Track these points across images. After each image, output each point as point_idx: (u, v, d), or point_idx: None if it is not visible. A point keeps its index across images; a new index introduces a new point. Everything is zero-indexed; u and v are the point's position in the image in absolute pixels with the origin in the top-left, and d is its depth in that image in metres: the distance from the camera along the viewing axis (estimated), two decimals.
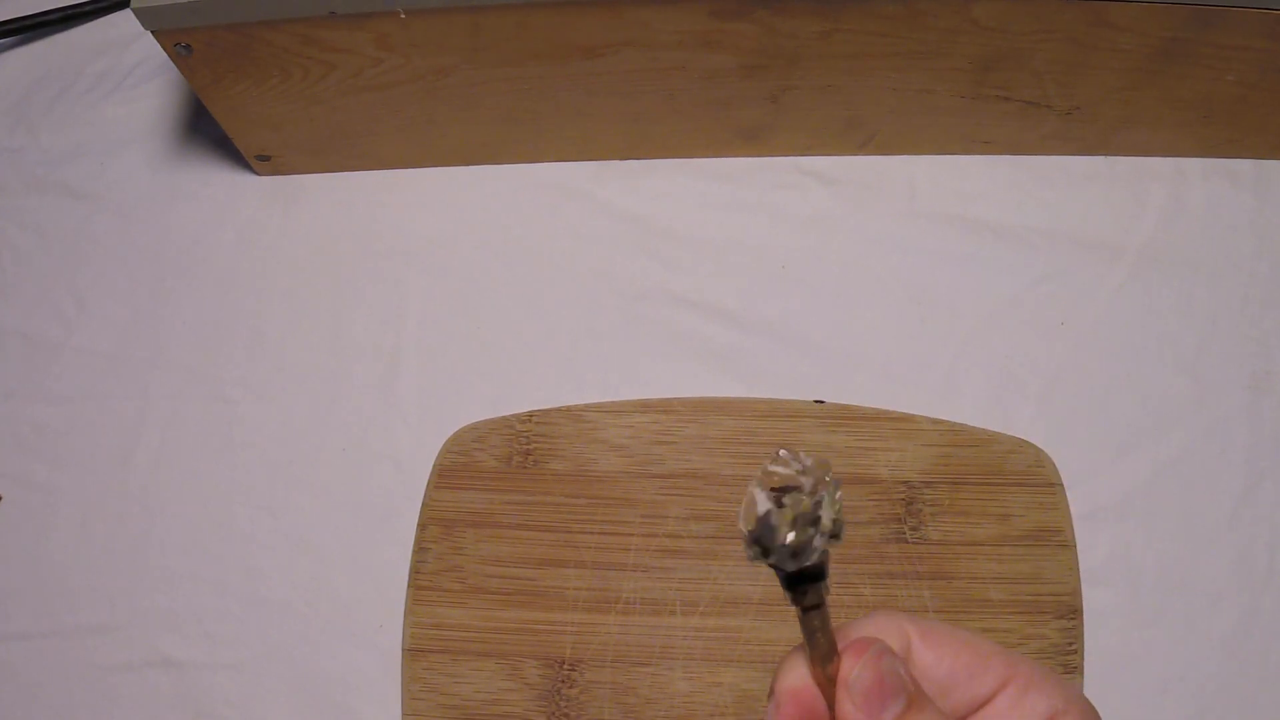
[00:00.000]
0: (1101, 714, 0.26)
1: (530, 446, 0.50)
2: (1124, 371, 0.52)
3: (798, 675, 0.26)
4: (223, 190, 0.59)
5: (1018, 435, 0.50)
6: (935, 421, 0.50)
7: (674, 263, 0.55)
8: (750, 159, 0.57)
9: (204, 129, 0.60)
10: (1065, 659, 0.46)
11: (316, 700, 0.48)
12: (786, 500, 0.23)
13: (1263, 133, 0.54)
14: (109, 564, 0.51)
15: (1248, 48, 0.48)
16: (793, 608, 0.25)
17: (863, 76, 0.51)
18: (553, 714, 0.46)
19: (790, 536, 0.23)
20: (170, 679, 0.49)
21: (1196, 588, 0.48)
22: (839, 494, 0.23)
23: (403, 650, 0.47)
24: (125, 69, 0.62)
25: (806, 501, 0.23)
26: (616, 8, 0.47)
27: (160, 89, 0.61)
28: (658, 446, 0.50)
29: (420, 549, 0.49)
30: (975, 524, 0.48)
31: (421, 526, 0.49)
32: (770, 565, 0.23)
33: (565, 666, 0.46)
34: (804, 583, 0.25)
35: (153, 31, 0.47)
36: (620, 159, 0.58)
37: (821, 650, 0.25)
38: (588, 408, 0.51)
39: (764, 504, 0.23)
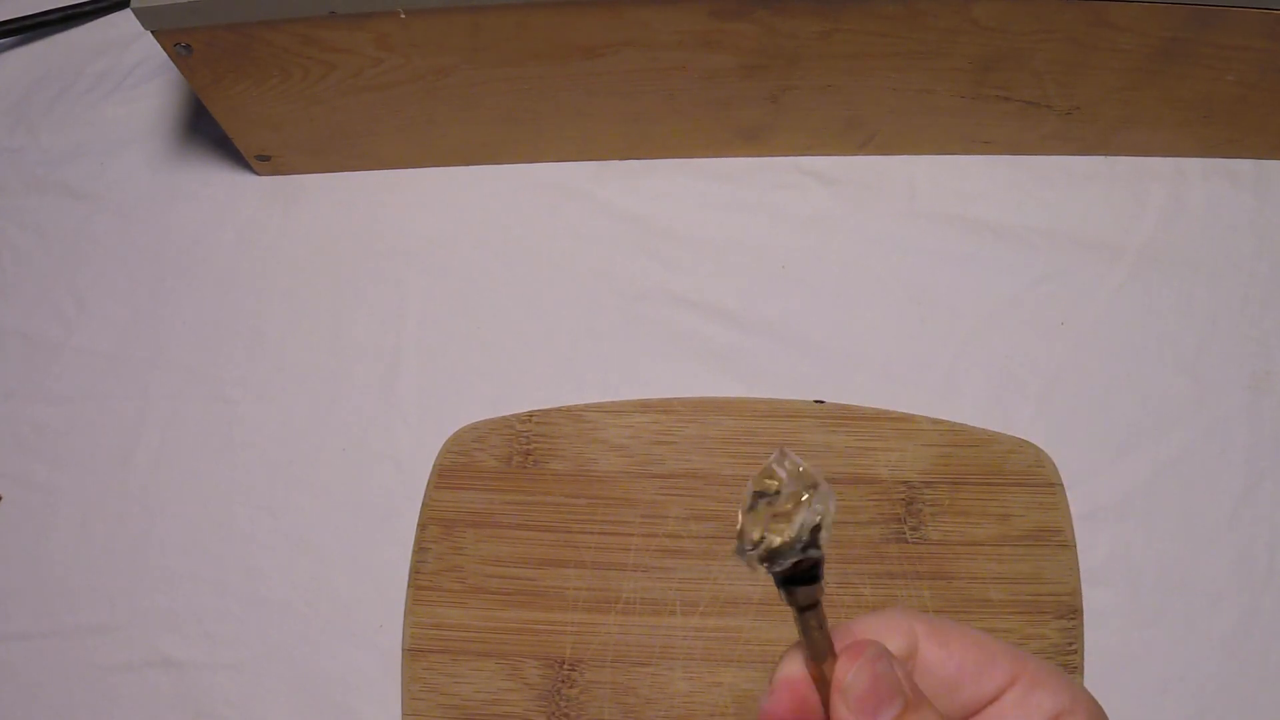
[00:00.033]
0: None
1: (530, 446, 0.50)
2: (1124, 371, 0.52)
3: (795, 666, 0.26)
4: (223, 190, 0.59)
5: (1018, 435, 0.50)
6: (935, 421, 0.50)
7: (674, 263, 0.55)
8: (750, 159, 0.57)
9: (204, 129, 0.60)
10: (1065, 659, 0.46)
11: (316, 700, 0.48)
12: (760, 505, 0.24)
13: (1263, 133, 0.54)
14: (109, 564, 0.51)
15: (1248, 48, 0.48)
16: (789, 607, 0.25)
17: (863, 76, 0.51)
18: (553, 714, 0.46)
19: (758, 540, 0.23)
20: (170, 679, 0.49)
21: (1196, 588, 0.48)
22: (821, 504, 0.23)
23: (403, 650, 0.47)
24: (125, 69, 0.62)
25: (781, 507, 0.23)
26: (616, 8, 0.47)
27: (160, 89, 0.61)
28: (658, 446, 0.50)
29: (420, 549, 0.49)
30: (975, 524, 0.48)
31: (421, 526, 0.49)
32: (746, 565, 0.24)
33: (565, 666, 0.46)
34: (795, 584, 0.25)
35: (153, 31, 0.47)
36: (620, 159, 0.58)
37: (817, 649, 0.26)
38: (588, 408, 0.51)
39: (744, 506, 0.24)
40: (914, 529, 0.48)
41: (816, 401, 0.51)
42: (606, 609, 0.47)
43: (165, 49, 0.48)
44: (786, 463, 0.24)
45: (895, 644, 0.26)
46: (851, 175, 0.57)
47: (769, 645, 0.46)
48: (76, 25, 0.64)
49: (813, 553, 0.24)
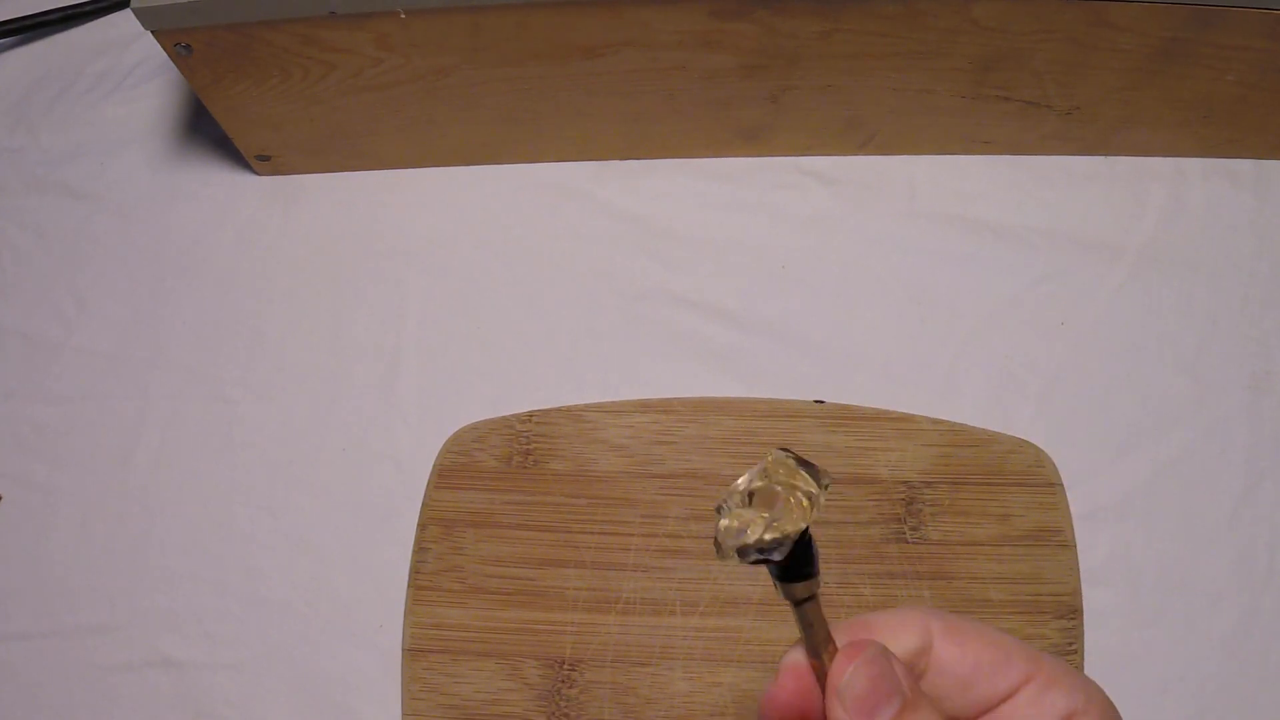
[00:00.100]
0: None
1: (530, 446, 0.50)
2: (1124, 371, 0.52)
3: (802, 654, 0.26)
4: (223, 190, 0.59)
5: (1018, 435, 0.50)
6: (935, 421, 0.50)
7: (674, 263, 0.55)
8: (750, 159, 0.57)
9: (204, 129, 0.60)
10: (1065, 659, 0.46)
11: (316, 700, 0.48)
12: (725, 504, 0.25)
13: (1263, 133, 0.54)
14: (109, 564, 0.51)
15: (1248, 48, 0.48)
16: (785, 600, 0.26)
17: (863, 76, 0.51)
18: (553, 714, 0.46)
19: (717, 536, 0.25)
20: (170, 679, 0.49)
21: (1196, 588, 0.48)
22: (772, 515, 0.25)
23: (403, 650, 0.47)
24: (125, 69, 0.62)
25: (739, 513, 0.25)
26: (616, 8, 0.47)
27: (160, 89, 0.61)
28: (658, 446, 0.50)
29: (420, 549, 0.49)
30: (975, 524, 0.48)
31: (421, 526, 0.49)
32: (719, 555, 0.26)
33: (565, 666, 0.46)
34: (790, 579, 0.25)
35: (153, 31, 0.47)
36: (620, 159, 0.58)
37: (815, 644, 0.26)
38: (588, 408, 0.51)
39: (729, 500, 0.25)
40: (914, 529, 0.48)
41: (816, 401, 0.51)
42: (606, 609, 0.47)
43: (165, 49, 0.48)
44: (766, 468, 0.25)
45: (910, 640, 0.26)
46: (851, 175, 0.57)
47: (769, 645, 0.46)
48: (76, 25, 0.64)
49: (765, 555, 0.25)
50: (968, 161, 0.57)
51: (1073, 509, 0.48)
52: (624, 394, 0.52)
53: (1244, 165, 0.56)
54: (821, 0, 0.46)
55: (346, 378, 0.54)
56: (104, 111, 0.61)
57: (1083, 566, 0.47)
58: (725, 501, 0.25)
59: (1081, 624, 0.46)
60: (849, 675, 0.25)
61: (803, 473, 0.25)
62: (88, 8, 0.63)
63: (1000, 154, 0.57)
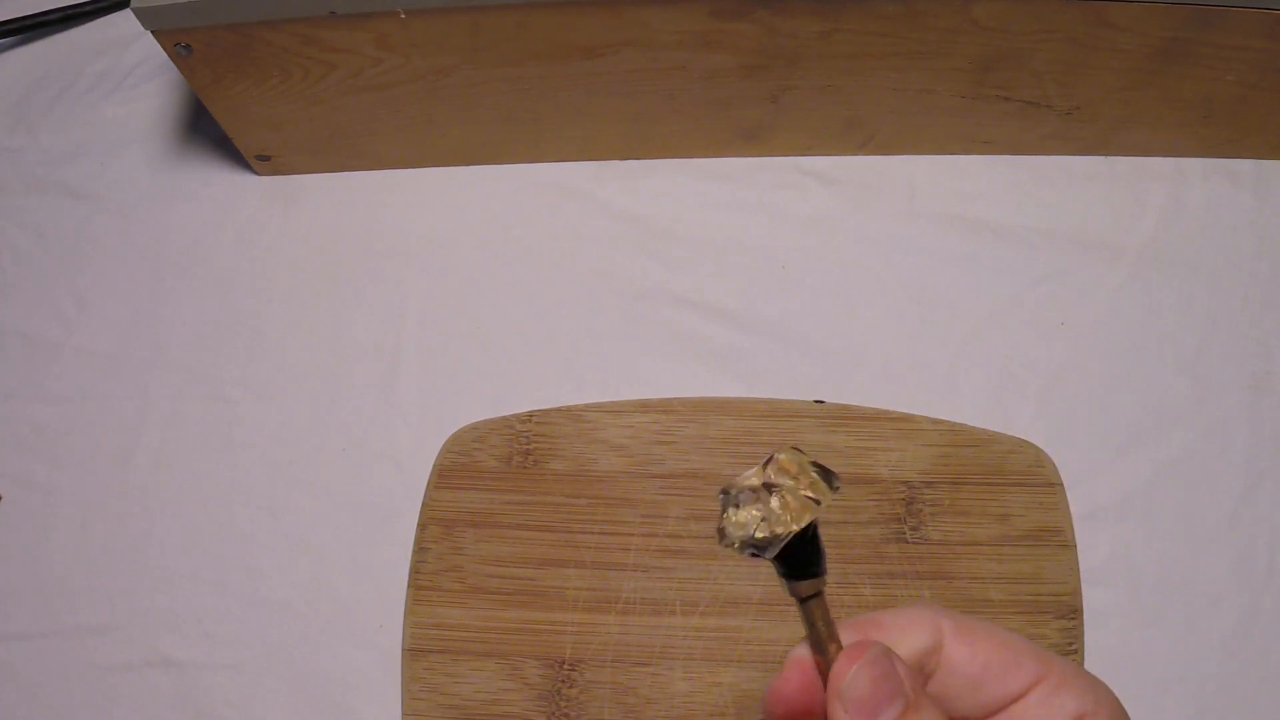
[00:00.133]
0: None
1: (530, 446, 0.50)
2: (1124, 371, 0.52)
3: (809, 649, 0.26)
4: (223, 190, 0.59)
5: (1018, 435, 0.50)
6: (935, 421, 0.50)
7: (674, 263, 0.55)
8: (750, 159, 0.57)
9: (204, 129, 0.60)
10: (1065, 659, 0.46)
11: (316, 700, 0.48)
12: (730, 494, 0.26)
13: (1263, 133, 0.54)
14: (109, 564, 0.51)
15: (1248, 48, 0.48)
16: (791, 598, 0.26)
17: (863, 76, 0.51)
18: (553, 714, 0.46)
19: (721, 523, 0.26)
20: (170, 679, 0.49)
21: (1196, 588, 0.48)
22: (769, 512, 0.25)
23: (403, 650, 0.47)
24: (125, 69, 0.62)
25: (744, 506, 0.25)
26: (616, 8, 0.47)
27: (160, 89, 0.61)
28: (658, 446, 0.50)
29: (420, 549, 0.49)
30: (975, 524, 0.48)
31: (421, 526, 0.49)
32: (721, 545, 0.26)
33: (565, 666, 0.46)
34: (794, 576, 0.25)
35: (153, 31, 0.47)
36: (620, 159, 0.58)
37: (821, 640, 0.26)
38: (588, 408, 0.51)
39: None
40: (914, 529, 0.48)
41: (816, 401, 0.51)
42: (606, 609, 0.47)
43: (165, 49, 0.48)
44: (765, 468, 0.25)
45: (921, 639, 0.26)
46: (851, 175, 0.57)
47: (769, 645, 0.46)
48: (76, 25, 0.64)
49: (766, 552, 0.25)
50: (968, 161, 0.57)
51: (1073, 509, 0.48)
52: (624, 394, 0.52)
53: (1244, 165, 0.56)
54: (821, 0, 0.46)
55: (346, 378, 0.54)
56: (104, 111, 0.61)
57: (1083, 566, 0.47)
58: (730, 491, 0.26)
59: (1081, 624, 0.46)
60: (850, 676, 0.25)
61: (813, 474, 0.25)
62: (88, 8, 0.63)
63: (1000, 154, 0.57)
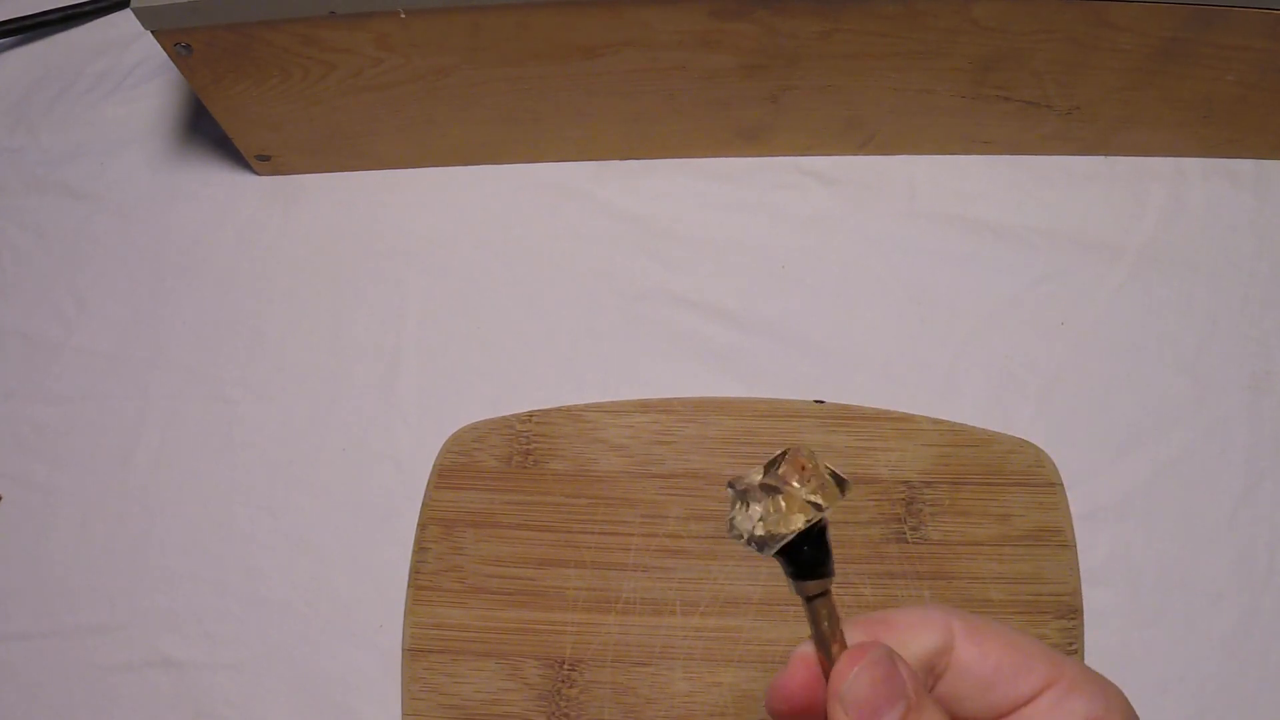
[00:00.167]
0: None
1: (530, 446, 0.50)
2: (1124, 371, 0.52)
3: (813, 646, 0.26)
4: (223, 190, 0.59)
5: (1018, 435, 0.50)
6: (935, 421, 0.50)
7: (674, 263, 0.55)
8: (750, 159, 0.57)
9: (204, 129, 0.60)
10: None
11: (316, 700, 0.48)
12: (738, 486, 0.26)
13: (1263, 133, 0.54)
14: (109, 564, 0.51)
15: (1248, 48, 0.48)
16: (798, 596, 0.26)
17: (863, 76, 0.51)
18: (553, 714, 0.46)
19: (730, 517, 0.26)
20: (170, 679, 0.49)
21: (1196, 588, 0.48)
22: (769, 510, 0.25)
23: (403, 650, 0.47)
24: (125, 69, 0.62)
25: (742, 506, 0.26)
26: (616, 8, 0.47)
27: (160, 89, 0.61)
28: (658, 446, 0.50)
29: (420, 549, 0.49)
30: (975, 524, 0.48)
31: (421, 526, 0.49)
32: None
33: (565, 666, 0.46)
34: (800, 575, 0.25)
35: (153, 31, 0.47)
36: (620, 159, 0.58)
37: (824, 640, 0.26)
38: (588, 408, 0.51)
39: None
40: (914, 529, 0.48)
41: (816, 401, 0.51)
42: (606, 609, 0.47)
43: (165, 49, 0.48)
44: (768, 467, 0.25)
45: (931, 639, 0.26)
46: (851, 175, 0.57)
47: (769, 645, 0.46)
48: (76, 25, 0.64)
49: (759, 549, 0.25)
50: (968, 161, 0.57)
51: (1073, 509, 0.48)
52: (624, 394, 0.52)
53: (1244, 165, 0.56)
54: (821, 0, 0.46)
55: (346, 378, 0.54)
56: (104, 111, 0.61)
57: (1083, 566, 0.47)
58: (736, 485, 0.26)
59: (1081, 624, 0.46)
60: (851, 678, 0.25)
61: (825, 476, 0.25)
62: (88, 8, 0.63)
63: (1000, 154, 0.57)
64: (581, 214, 0.57)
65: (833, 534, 0.26)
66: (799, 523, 0.25)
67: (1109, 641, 0.47)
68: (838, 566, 0.26)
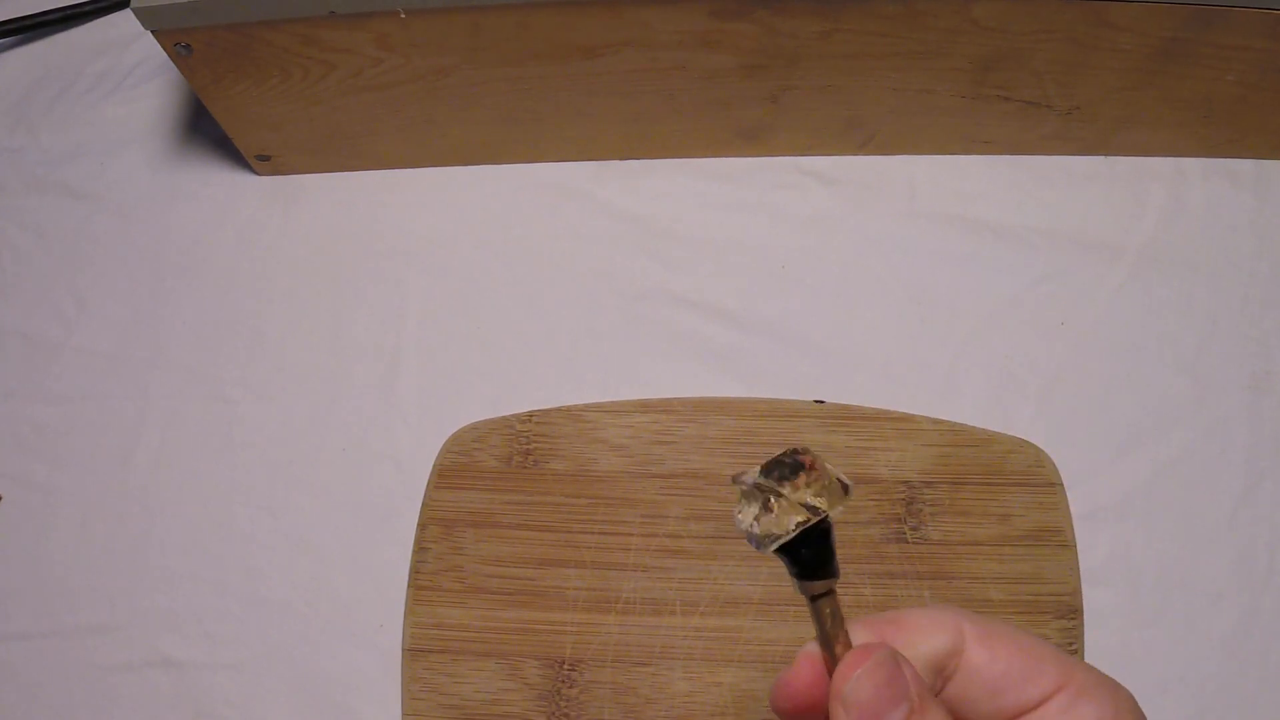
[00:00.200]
0: None
1: (530, 446, 0.50)
2: (1124, 371, 0.52)
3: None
4: (223, 190, 0.59)
5: (1018, 435, 0.50)
6: (935, 421, 0.50)
7: (674, 263, 0.55)
8: (750, 159, 0.57)
9: (204, 129, 0.60)
10: None
11: (316, 700, 0.48)
12: (742, 481, 0.26)
13: (1263, 133, 0.54)
14: (109, 564, 0.51)
15: (1248, 48, 0.48)
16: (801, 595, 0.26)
17: (863, 76, 0.51)
18: (553, 714, 0.46)
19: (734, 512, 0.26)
20: (170, 679, 0.49)
21: (1196, 588, 0.48)
22: (762, 510, 0.26)
23: (403, 650, 0.47)
24: (125, 69, 0.62)
25: (745, 503, 0.26)
26: (616, 8, 0.47)
27: (160, 89, 0.61)
28: (658, 446, 0.50)
29: (420, 549, 0.49)
30: (975, 524, 0.48)
31: (421, 526, 0.49)
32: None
33: (565, 666, 0.46)
34: (804, 575, 0.25)
35: (153, 31, 0.47)
36: (620, 159, 0.58)
37: (829, 639, 0.26)
38: (588, 408, 0.51)
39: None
40: (914, 529, 0.48)
41: (816, 401, 0.51)
42: (606, 609, 0.47)
43: (165, 49, 0.48)
44: (773, 465, 0.25)
45: (941, 641, 0.26)
46: (851, 175, 0.57)
47: (769, 645, 0.46)
48: (76, 25, 0.64)
49: (758, 547, 0.25)
50: (968, 161, 0.57)
51: (1073, 509, 0.48)
52: (624, 394, 0.52)
53: (1244, 165, 0.56)
54: (821, 0, 0.46)
55: (346, 378, 0.54)
56: (104, 111, 0.61)
57: (1083, 566, 0.47)
58: (738, 479, 0.26)
59: (1081, 624, 0.46)
60: (854, 681, 0.25)
61: (830, 478, 0.25)
62: (88, 8, 0.63)
63: (1000, 154, 0.57)
64: (581, 214, 0.57)
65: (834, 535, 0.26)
66: (794, 524, 0.25)
67: (1109, 641, 0.47)
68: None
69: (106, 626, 0.50)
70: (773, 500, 0.25)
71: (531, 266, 0.56)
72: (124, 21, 0.63)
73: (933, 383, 0.52)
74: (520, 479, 0.49)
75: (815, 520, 0.25)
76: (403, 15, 0.47)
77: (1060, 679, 0.26)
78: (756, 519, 0.25)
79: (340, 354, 0.54)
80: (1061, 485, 0.48)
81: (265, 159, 0.57)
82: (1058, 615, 0.46)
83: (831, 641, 0.26)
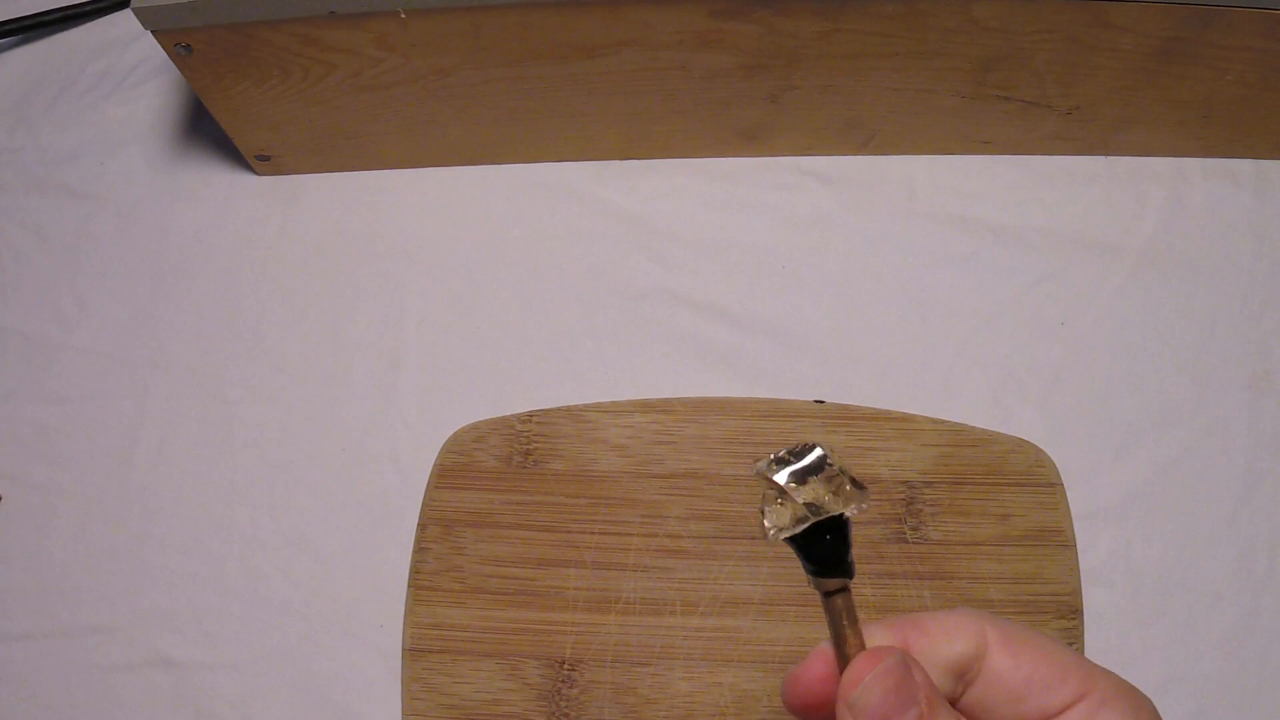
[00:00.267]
0: None
1: (530, 446, 0.50)
2: (1124, 371, 0.52)
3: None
4: (223, 190, 0.59)
5: (1018, 435, 0.50)
6: (935, 421, 0.50)
7: (674, 263, 0.55)
8: (750, 159, 0.57)
9: (204, 129, 0.60)
10: None
11: (316, 700, 0.48)
12: (759, 470, 0.26)
13: (1263, 133, 0.54)
14: (109, 564, 0.51)
15: (1248, 48, 0.48)
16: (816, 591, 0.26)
17: (863, 76, 0.51)
18: (553, 714, 0.46)
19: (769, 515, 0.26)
20: (170, 679, 0.49)
21: (1196, 588, 0.48)
22: (768, 511, 0.26)
23: (403, 650, 0.47)
24: (125, 69, 0.62)
25: (776, 504, 0.26)
26: (616, 8, 0.47)
27: (160, 89, 0.61)
28: (658, 446, 0.50)
29: (420, 549, 0.49)
30: (975, 524, 0.48)
31: (421, 526, 0.49)
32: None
33: (565, 666, 0.46)
34: (818, 572, 0.25)
35: (153, 31, 0.47)
36: (620, 159, 0.58)
37: (841, 637, 0.26)
38: (588, 408, 0.51)
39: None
40: (914, 529, 0.48)
41: (816, 401, 0.51)
42: (606, 609, 0.47)
43: (165, 49, 0.48)
44: (792, 463, 0.25)
45: (964, 645, 0.26)
46: (851, 175, 0.57)
47: (769, 645, 0.46)
48: (76, 25, 0.64)
49: (767, 541, 0.26)
50: (968, 161, 0.57)
51: (1073, 509, 0.48)
52: (624, 394, 0.52)
53: (1244, 165, 0.56)
54: (821, 0, 0.46)
55: (346, 378, 0.54)
56: (104, 111, 0.61)
57: (1083, 566, 0.47)
58: (757, 466, 0.26)
59: (1081, 624, 0.46)
60: (862, 686, 0.24)
61: (843, 479, 0.25)
62: (88, 8, 0.63)
63: (1000, 154, 0.57)
64: (581, 214, 0.57)
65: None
66: (799, 524, 0.25)
67: (1109, 641, 0.47)
68: None
69: (106, 626, 0.50)
70: (791, 491, 0.25)
71: (531, 266, 0.56)
72: (124, 21, 0.63)
73: (933, 383, 0.52)
74: (520, 479, 0.49)
75: (832, 515, 0.25)
76: (403, 15, 0.47)
77: (1083, 686, 0.25)
78: (764, 513, 0.25)
79: (340, 354, 0.54)
80: (1061, 485, 0.48)
81: (265, 159, 0.57)
82: (1058, 615, 0.46)
83: (843, 640, 0.26)
